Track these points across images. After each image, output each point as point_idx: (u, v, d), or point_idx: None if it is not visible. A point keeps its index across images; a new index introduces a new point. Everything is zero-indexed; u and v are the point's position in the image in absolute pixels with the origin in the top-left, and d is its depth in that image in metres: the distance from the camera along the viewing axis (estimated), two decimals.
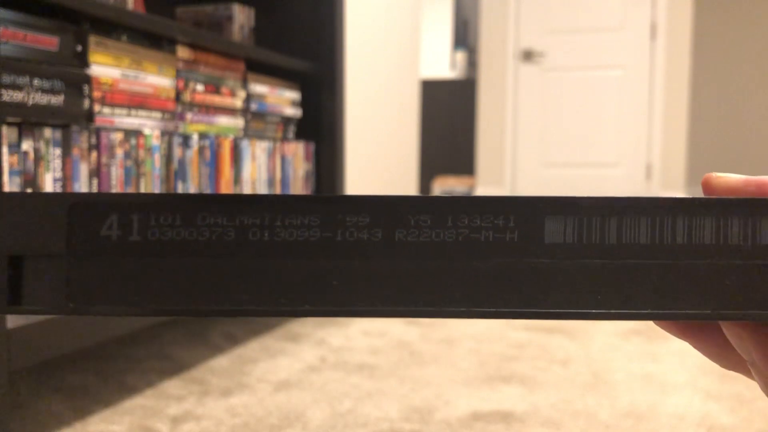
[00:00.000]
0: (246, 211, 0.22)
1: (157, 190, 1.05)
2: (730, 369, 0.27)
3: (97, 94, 0.95)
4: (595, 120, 4.14)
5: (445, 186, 4.72)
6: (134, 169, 1.00)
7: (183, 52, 1.14)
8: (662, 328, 0.26)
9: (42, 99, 0.84)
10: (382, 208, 0.22)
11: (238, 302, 0.22)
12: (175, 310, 0.22)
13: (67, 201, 0.22)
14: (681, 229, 0.22)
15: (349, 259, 0.22)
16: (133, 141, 1.00)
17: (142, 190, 1.02)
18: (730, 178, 0.24)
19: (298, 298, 0.22)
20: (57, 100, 0.87)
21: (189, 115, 1.15)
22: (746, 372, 0.26)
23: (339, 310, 0.22)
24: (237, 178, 1.25)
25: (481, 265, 0.22)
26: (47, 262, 0.22)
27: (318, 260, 0.22)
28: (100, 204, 0.22)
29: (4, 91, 0.79)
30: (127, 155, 0.99)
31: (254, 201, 0.22)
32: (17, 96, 0.81)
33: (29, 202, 0.22)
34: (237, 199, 0.22)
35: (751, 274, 0.22)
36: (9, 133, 0.81)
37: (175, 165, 1.09)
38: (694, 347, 0.27)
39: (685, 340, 0.26)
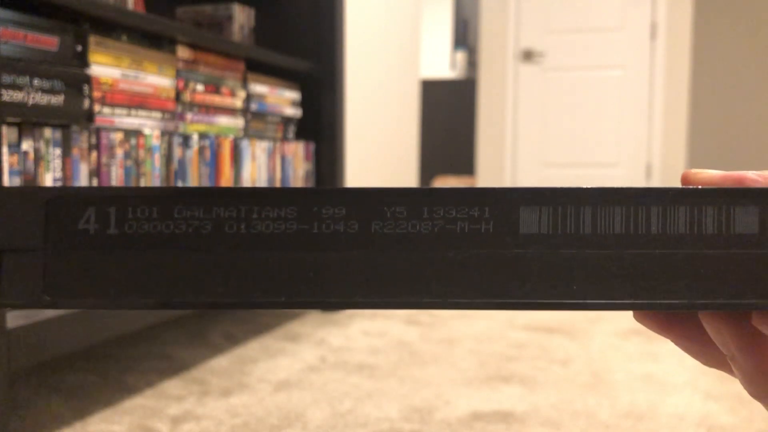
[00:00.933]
0: (222, 204, 0.22)
1: None
2: (711, 366, 0.27)
3: (97, 94, 0.95)
4: (595, 120, 4.14)
5: (445, 186, 4.72)
6: (134, 169, 1.00)
7: (183, 52, 1.14)
8: (643, 324, 0.26)
9: (42, 99, 0.84)
10: (358, 200, 0.22)
11: (216, 295, 0.22)
12: (152, 303, 0.22)
13: (44, 195, 0.22)
14: (655, 218, 0.22)
15: (325, 251, 0.22)
16: (133, 141, 1.00)
17: None
18: (708, 174, 0.24)
19: (274, 290, 0.22)
20: (57, 100, 0.87)
21: (189, 115, 1.15)
22: (727, 368, 0.26)
23: (315, 301, 0.22)
24: (237, 178, 1.25)
25: (457, 256, 0.22)
26: (25, 257, 0.22)
27: (295, 252, 0.22)
28: (78, 198, 0.22)
29: (4, 91, 0.79)
30: (127, 155, 0.99)
31: (230, 194, 0.22)
32: (17, 96, 0.81)
33: (6, 197, 0.22)
34: (213, 192, 0.22)
35: (726, 264, 0.22)
36: (9, 133, 0.81)
37: (175, 165, 1.09)
38: (676, 344, 0.27)
39: (665, 336, 0.26)
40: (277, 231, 0.22)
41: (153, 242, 0.22)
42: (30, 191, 0.22)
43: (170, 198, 0.22)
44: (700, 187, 0.22)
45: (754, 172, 0.24)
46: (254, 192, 0.22)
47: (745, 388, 0.25)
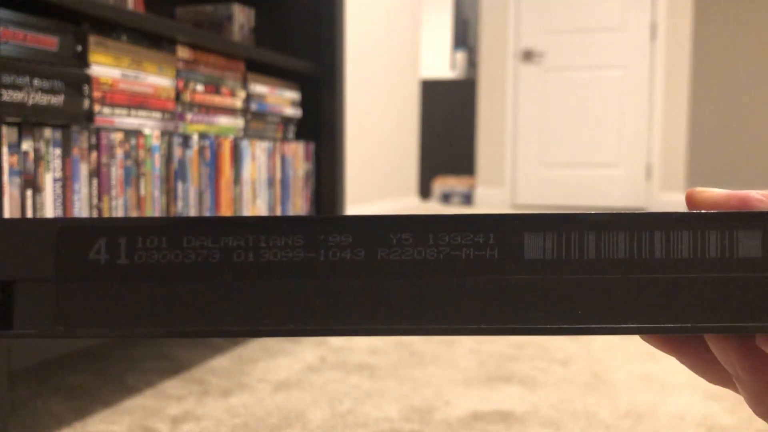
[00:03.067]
0: (230, 233, 0.23)
1: (157, 191, 1.05)
2: (717, 384, 0.27)
3: (97, 94, 0.95)
4: (595, 120, 4.14)
5: (445, 186, 4.72)
6: (134, 169, 1.00)
7: (183, 52, 1.14)
8: (649, 343, 0.26)
9: (42, 99, 0.84)
10: (364, 228, 0.23)
11: (224, 323, 0.23)
12: (163, 332, 0.23)
13: (55, 226, 0.23)
14: (659, 243, 0.22)
15: (332, 279, 0.23)
16: (133, 141, 1.00)
17: (142, 190, 1.02)
18: (712, 193, 0.24)
19: (282, 318, 0.23)
20: (57, 100, 0.87)
21: (189, 115, 1.16)
22: (733, 387, 0.26)
23: (323, 329, 0.23)
24: (237, 178, 1.25)
25: (463, 282, 0.23)
26: (37, 287, 0.23)
27: (302, 280, 0.23)
28: (88, 228, 0.23)
29: (4, 91, 0.79)
30: (127, 155, 0.99)
31: (238, 223, 0.23)
32: (17, 96, 0.81)
33: (18, 229, 0.23)
34: (221, 221, 0.23)
35: (730, 287, 0.22)
36: (9, 133, 0.81)
37: (175, 165, 1.09)
38: (681, 362, 0.27)
39: (671, 355, 0.26)
40: (285, 259, 0.23)
41: (163, 272, 0.23)
42: (41, 222, 0.23)
43: (179, 228, 0.23)
44: (703, 211, 0.23)
45: (758, 192, 0.24)
46: (262, 221, 0.23)
47: (751, 407, 0.25)
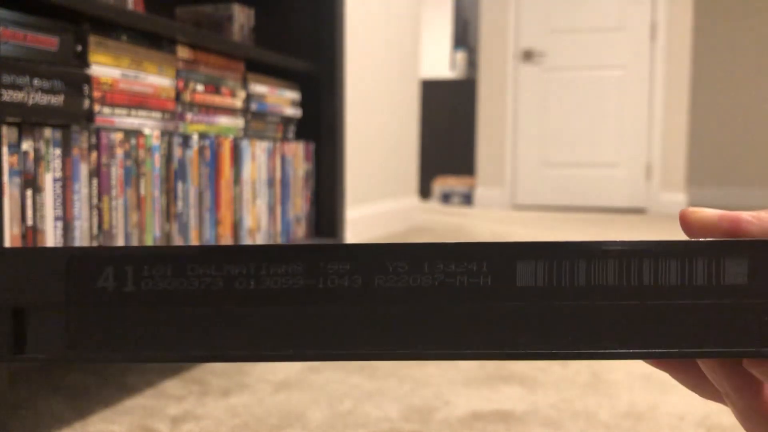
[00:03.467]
0: (233, 261, 0.24)
1: (157, 191, 1.05)
2: (709, 399, 0.28)
3: (97, 94, 0.95)
4: (595, 120, 4.13)
5: (445, 186, 4.72)
6: (134, 169, 1.00)
7: (183, 52, 1.14)
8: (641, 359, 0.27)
9: (42, 99, 0.84)
10: (361, 256, 0.23)
11: (227, 348, 0.24)
12: (168, 357, 0.24)
13: (65, 255, 0.24)
14: (647, 270, 0.23)
15: (331, 305, 0.23)
16: (133, 141, 1.00)
17: (142, 190, 1.02)
18: (705, 214, 0.25)
19: (282, 343, 0.24)
20: (57, 100, 0.87)
21: (189, 115, 1.16)
22: (723, 402, 0.27)
23: (322, 353, 0.24)
24: (237, 178, 1.25)
25: (457, 308, 0.23)
26: (48, 313, 0.24)
27: (301, 307, 0.23)
28: (97, 257, 0.24)
29: (4, 91, 0.79)
30: (127, 155, 0.99)
31: (240, 251, 0.24)
32: (17, 96, 0.81)
33: (30, 257, 0.24)
34: (224, 250, 0.24)
35: (717, 313, 0.23)
36: (9, 133, 0.81)
37: (175, 165, 1.09)
38: (674, 378, 0.28)
39: (664, 371, 0.27)
40: (285, 286, 0.23)
41: (168, 299, 0.24)
42: (52, 251, 0.24)
43: (184, 257, 0.24)
44: (690, 240, 0.23)
45: (749, 213, 0.25)
46: (263, 249, 0.24)
47: (741, 423, 0.26)
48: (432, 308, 0.23)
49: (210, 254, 0.24)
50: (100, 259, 0.24)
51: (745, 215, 0.24)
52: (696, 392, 0.28)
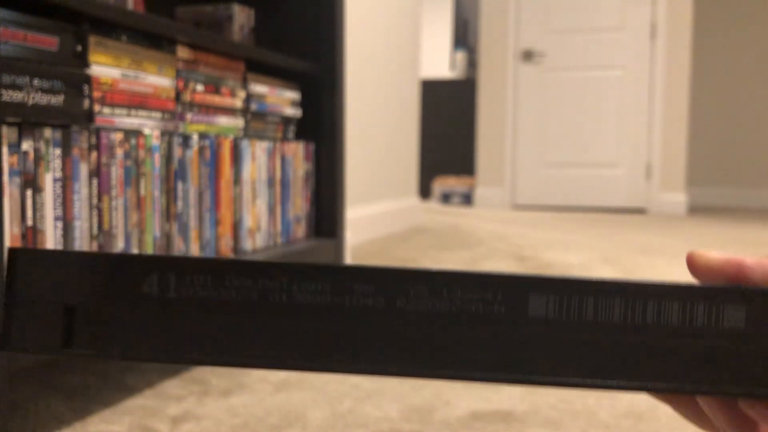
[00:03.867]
0: (268, 276, 0.26)
1: (157, 191, 1.05)
2: (707, 430, 0.29)
3: (97, 94, 0.95)
4: (595, 120, 4.14)
5: (445, 186, 4.72)
6: (134, 169, 1.00)
7: (183, 52, 1.14)
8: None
9: (42, 99, 0.85)
10: (385, 279, 0.25)
11: (257, 356, 0.26)
12: (203, 360, 0.26)
13: (115, 260, 0.26)
14: (651, 310, 0.25)
15: (354, 322, 0.25)
16: (133, 141, 1.00)
17: (142, 190, 1.02)
18: (710, 257, 0.26)
19: (308, 354, 0.26)
20: (57, 100, 0.87)
21: (189, 115, 1.16)
22: None
23: (343, 367, 0.25)
24: (237, 178, 1.25)
25: (471, 333, 0.25)
26: (96, 313, 0.26)
27: (327, 322, 0.25)
28: (143, 264, 0.26)
29: (4, 91, 0.79)
30: (127, 155, 0.99)
31: (275, 267, 0.26)
32: (17, 96, 0.81)
33: (83, 260, 0.26)
34: (261, 265, 0.26)
35: (714, 354, 0.25)
36: (9, 133, 0.81)
37: (175, 165, 1.09)
38: (675, 411, 0.29)
39: (665, 404, 0.28)
40: (314, 302, 0.25)
41: (206, 306, 0.26)
42: (103, 256, 0.26)
43: (223, 268, 0.26)
44: (692, 285, 0.25)
45: (753, 259, 0.26)
46: (295, 267, 0.26)
47: None
48: (448, 331, 0.25)
49: (247, 268, 0.26)
50: (146, 266, 0.26)
51: (749, 261, 0.25)
52: (695, 424, 0.29)
